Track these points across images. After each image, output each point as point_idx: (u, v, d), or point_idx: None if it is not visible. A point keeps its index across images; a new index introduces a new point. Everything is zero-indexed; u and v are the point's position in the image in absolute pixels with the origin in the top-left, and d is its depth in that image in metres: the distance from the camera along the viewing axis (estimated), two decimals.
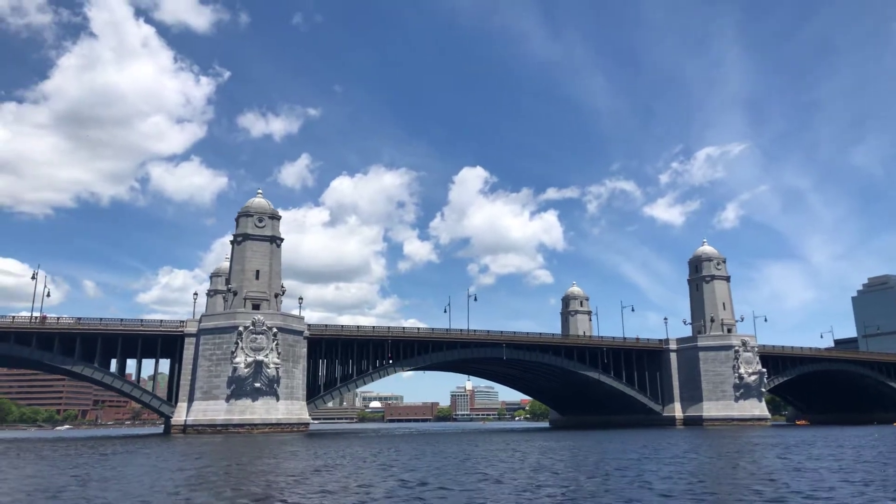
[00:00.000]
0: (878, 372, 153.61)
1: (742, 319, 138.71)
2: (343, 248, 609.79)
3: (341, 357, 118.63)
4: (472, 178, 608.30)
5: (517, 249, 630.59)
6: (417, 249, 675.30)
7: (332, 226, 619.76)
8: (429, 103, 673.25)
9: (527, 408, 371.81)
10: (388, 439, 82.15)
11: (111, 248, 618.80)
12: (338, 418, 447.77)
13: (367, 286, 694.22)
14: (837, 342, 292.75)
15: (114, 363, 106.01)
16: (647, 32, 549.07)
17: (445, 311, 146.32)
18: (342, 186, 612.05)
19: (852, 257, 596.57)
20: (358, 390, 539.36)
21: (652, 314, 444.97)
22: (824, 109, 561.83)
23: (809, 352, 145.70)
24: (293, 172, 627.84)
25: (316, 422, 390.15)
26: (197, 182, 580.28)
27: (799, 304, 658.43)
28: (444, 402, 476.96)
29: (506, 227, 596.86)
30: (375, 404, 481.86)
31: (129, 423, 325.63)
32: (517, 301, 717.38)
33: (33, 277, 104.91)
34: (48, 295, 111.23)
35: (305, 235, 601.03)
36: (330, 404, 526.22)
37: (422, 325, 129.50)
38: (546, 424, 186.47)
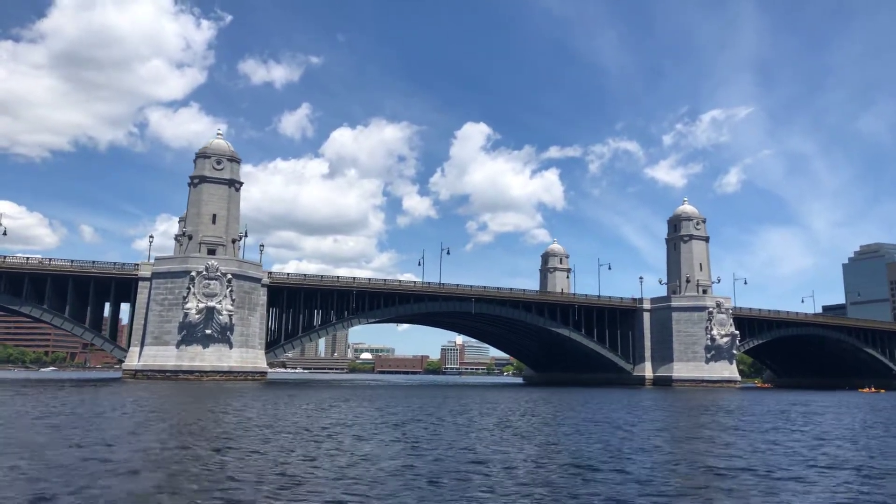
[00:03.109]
0: (856, 338, 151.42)
1: (719, 281, 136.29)
2: (342, 201, 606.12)
3: (306, 307, 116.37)
4: (474, 133, 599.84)
5: (517, 208, 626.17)
6: (417, 205, 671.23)
7: (331, 178, 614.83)
8: (434, 55, 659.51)
9: (514, 364, 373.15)
10: (344, 391, 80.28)
11: (109, 193, 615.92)
12: (328, 368, 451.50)
13: (365, 240, 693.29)
14: (826, 308, 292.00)
15: (81, 305, 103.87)
16: None
17: (420, 265, 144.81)
18: (342, 138, 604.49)
19: (852, 224, 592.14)
20: (350, 341, 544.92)
21: (649, 276, 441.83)
22: (836, 74, 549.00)
23: (786, 316, 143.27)
24: (293, 122, 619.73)
25: (306, 371, 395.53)
26: (195, 129, 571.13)
27: (795, 269, 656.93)
28: (435, 355, 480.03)
29: (506, 184, 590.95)
30: (366, 356, 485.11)
31: (116, 367, 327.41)
32: (514, 259, 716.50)
33: None
34: (4, 234, 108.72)
35: (304, 187, 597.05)
36: (322, 354, 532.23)
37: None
38: (520, 381, 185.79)
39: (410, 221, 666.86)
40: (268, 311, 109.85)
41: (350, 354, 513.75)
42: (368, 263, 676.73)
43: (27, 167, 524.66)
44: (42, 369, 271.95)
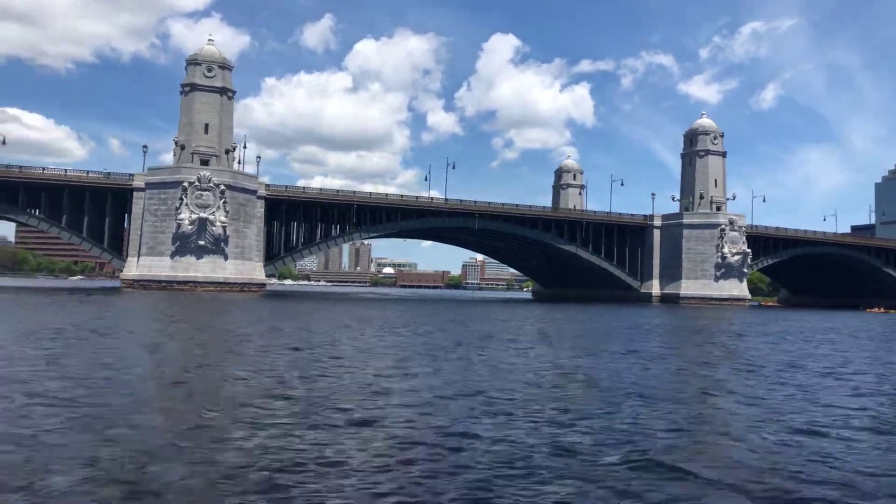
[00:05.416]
0: (875, 258, 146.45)
1: (734, 198, 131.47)
2: (365, 116, 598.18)
3: (306, 220, 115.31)
4: (502, 46, 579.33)
5: (544, 124, 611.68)
6: (442, 120, 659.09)
7: (355, 92, 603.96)
8: None
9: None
10: (337, 304, 79.86)
11: (134, 106, 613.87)
12: (351, 282, 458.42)
13: (389, 156, 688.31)
14: (854, 228, 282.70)
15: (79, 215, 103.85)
16: None
17: (426, 179, 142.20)
18: (366, 51, 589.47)
19: (893, 141, 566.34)
20: (373, 256, 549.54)
21: (676, 194, 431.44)
22: None
23: (802, 234, 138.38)
24: (315, 33, 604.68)
25: (329, 284, 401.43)
26: (218, 40, 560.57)
27: (829, 187, 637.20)
28: (457, 271, 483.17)
29: (534, 99, 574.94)
30: (388, 270, 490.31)
31: None
32: (541, 177, 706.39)
33: None
34: (3, 142, 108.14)
35: (327, 101, 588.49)
36: (346, 268, 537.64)
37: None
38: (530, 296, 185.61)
39: (435, 138, 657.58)
40: (267, 224, 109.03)
41: (373, 268, 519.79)
42: (393, 180, 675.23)
43: (52, 78, 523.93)
44: (71, 278, 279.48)
